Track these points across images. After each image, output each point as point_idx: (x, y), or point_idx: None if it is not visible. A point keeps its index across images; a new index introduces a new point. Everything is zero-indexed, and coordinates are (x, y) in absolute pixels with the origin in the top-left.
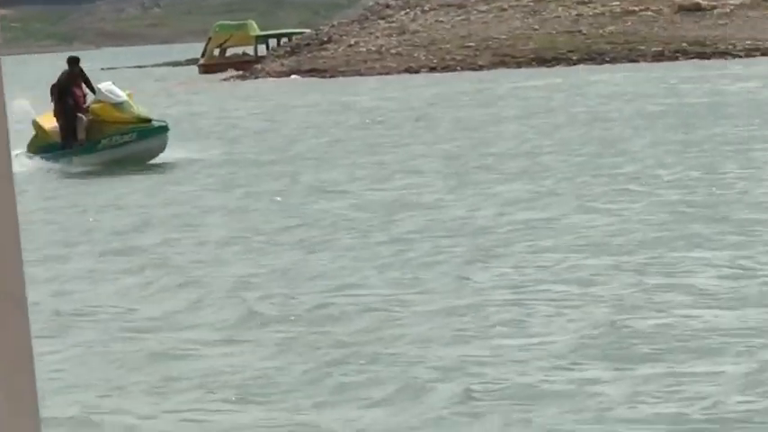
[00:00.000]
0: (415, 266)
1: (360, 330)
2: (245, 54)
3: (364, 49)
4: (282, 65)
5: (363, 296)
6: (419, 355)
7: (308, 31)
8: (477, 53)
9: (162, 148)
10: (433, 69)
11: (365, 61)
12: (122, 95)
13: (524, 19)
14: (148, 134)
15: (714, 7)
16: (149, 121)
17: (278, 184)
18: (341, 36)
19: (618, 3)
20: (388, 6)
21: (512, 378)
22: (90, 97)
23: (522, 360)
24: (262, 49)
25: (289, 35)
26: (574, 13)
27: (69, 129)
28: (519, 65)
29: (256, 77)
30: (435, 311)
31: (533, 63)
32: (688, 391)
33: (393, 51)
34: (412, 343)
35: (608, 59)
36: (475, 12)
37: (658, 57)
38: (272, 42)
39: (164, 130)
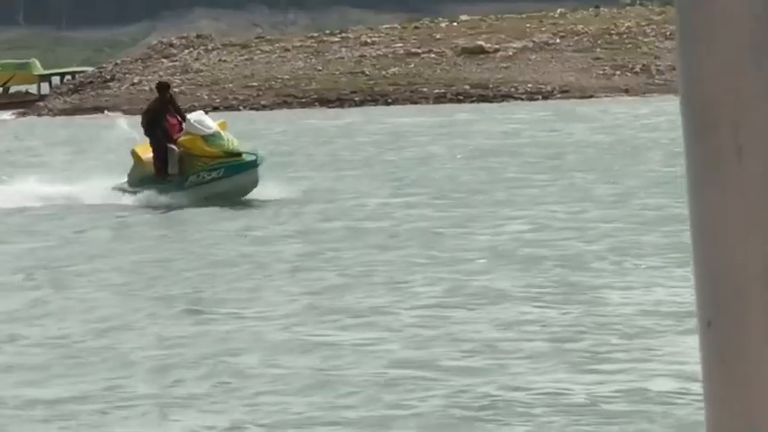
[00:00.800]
0: None
1: None
2: (27, 93)
3: (147, 88)
4: (65, 102)
5: None
6: None
7: (91, 69)
8: (261, 93)
9: (253, 184)
10: (216, 108)
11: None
12: (212, 126)
13: (307, 59)
14: (237, 169)
15: (497, 50)
16: (239, 154)
17: None
18: (124, 74)
19: (401, 45)
20: (171, 45)
21: None
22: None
23: None
24: (45, 87)
25: (72, 73)
26: (357, 54)
27: (160, 162)
28: (302, 105)
29: (39, 115)
30: None
31: (316, 104)
32: None
33: (176, 90)
34: None
35: (390, 101)
36: (258, 52)
37: (440, 99)
38: (56, 80)
39: (253, 164)
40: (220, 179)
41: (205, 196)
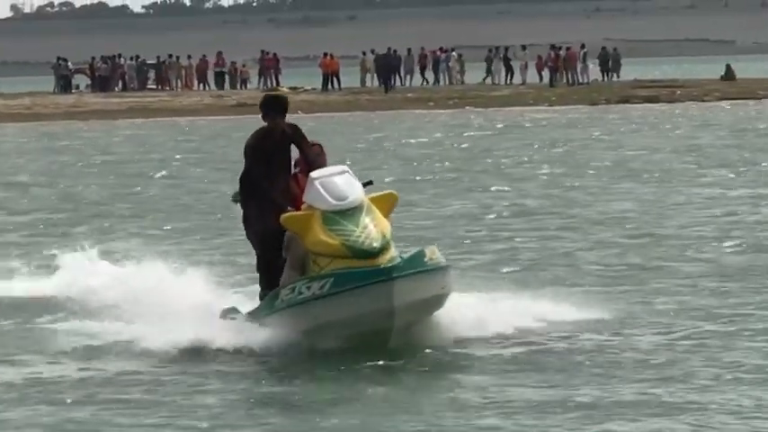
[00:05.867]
0: None
1: None
2: None
3: None
4: None
5: None
6: None
7: None
8: None
9: (387, 313)
10: None
11: None
12: (352, 197)
13: None
14: (354, 280)
15: None
16: (374, 254)
17: None
18: None
19: None
20: None
21: None
22: None
23: None
24: None
25: None
26: None
27: (263, 258)
28: None
29: None
30: None
31: None
32: None
33: None
34: None
35: None
36: None
37: None
38: None
39: (386, 274)
40: (324, 298)
41: (304, 329)
